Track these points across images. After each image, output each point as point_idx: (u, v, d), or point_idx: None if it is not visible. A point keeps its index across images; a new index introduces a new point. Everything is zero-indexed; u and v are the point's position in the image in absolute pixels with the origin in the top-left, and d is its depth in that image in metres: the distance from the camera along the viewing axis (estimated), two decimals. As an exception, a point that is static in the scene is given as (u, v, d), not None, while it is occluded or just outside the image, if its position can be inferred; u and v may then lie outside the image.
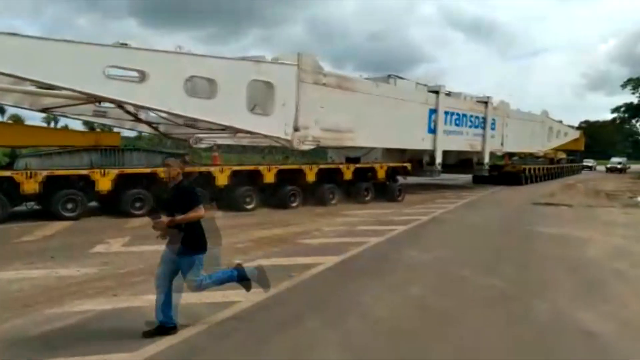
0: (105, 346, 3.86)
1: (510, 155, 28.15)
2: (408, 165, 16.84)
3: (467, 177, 25.41)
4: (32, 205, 10.81)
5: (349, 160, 17.43)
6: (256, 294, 5.21)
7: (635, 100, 50.88)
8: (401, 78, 17.81)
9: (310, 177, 13.97)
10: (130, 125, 13.95)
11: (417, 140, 17.58)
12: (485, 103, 21.40)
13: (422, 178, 19.97)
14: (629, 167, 50.76)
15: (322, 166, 14.82)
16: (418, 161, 18.88)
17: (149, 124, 13.32)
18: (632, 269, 7.12)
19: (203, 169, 12.50)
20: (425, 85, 18.56)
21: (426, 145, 18.15)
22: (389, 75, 17.42)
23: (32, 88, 10.20)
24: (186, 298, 5.02)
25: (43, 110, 12.98)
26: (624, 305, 5.42)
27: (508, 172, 25.17)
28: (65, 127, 23.40)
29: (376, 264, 7.07)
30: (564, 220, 12.36)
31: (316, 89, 12.90)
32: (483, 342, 4.28)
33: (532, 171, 26.87)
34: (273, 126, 12.04)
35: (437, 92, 18.21)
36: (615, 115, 58.07)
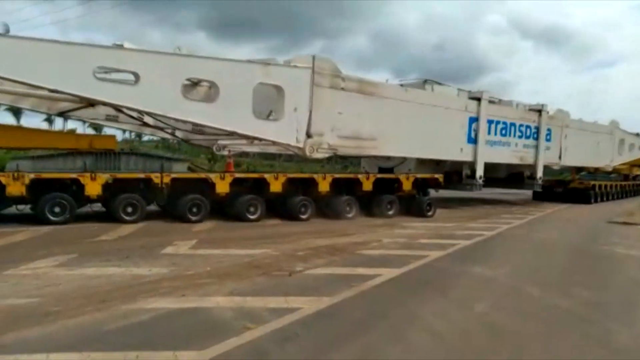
0: (176, 343, 4.05)
1: (578, 170, 25.87)
2: (439, 176, 15.34)
3: (526, 193, 23.60)
4: (23, 208, 10.77)
5: (382, 170, 16.41)
6: (317, 302, 5.31)
7: None
8: (439, 83, 16.59)
9: (324, 187, 13.01)
10: (151, 131, 13.62)
11: (454, 150, 16.23)
12: (539, 111, 19.44)
13: (466, 193, 18.30)
14: None
15: (337, 175, 13.77)
16: (457, 174, 17.61)
17: (160, 129, 12.79)
18: None
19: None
20: (468, 91, 17.22)
21: (465, 156, 16.70)
22: (425, 81, 16.30)
23: (45, 92, 9.61)
24: (249, 302, 5.22)
25: (60, 114, 12.98)
26: None
27: (574, 188, 22.94)
28: (72, 131, 22.04)
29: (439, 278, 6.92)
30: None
31: (333, 94, 12.18)
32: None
33: (602, 188, 24.35)
34: (282, 132, 11.42)
35: (478, 99, 16.76)
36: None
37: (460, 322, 5.00)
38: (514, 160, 18.89)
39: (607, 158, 25.02)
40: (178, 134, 13.40)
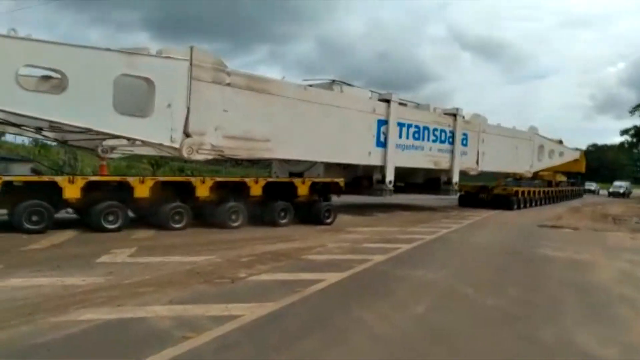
0: (108, 355, 3.89)
1: (506, 176, 26.29)
2: (340, 181, 14.11)
3: (453, 199, 23.46)
4: None
5: (292, 175, 15.41)
6: (260, 308, 5.27)
7: (643, 125, 50.76)
8: (348, 84, 15.97)
9: (203, 191, 11.31)
10: (17, 130, 11.65)
11: (362, 154, 15.45)
12: (454, 115, 19.09)
13: (379, 198, 17.47)
14: (632, 192, 50.07)
15: (219, 179, 12.10)
16: (368, 179, 16.92)
17: (16, 126, 10.75)
18: (637, 293, 7.07)
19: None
20: (377, 93, 16.67)
21: (374, 160, 15.94)
22: (333, 81, 15.54)
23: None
24: (190, 310, 5.10)
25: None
26: (628, 329, 5.38)
27: (498, 194, 22.87)
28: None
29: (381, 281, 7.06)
30: (570, 243, 12.27)
31: (217, 90, 11.13)
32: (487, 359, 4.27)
33: (526, 194, 24.47)
34: (152, 131, 10.26)
35: (388, 101, 16.07)
36: (623, 138, 57.94)
37: (400, 324, 5.13)
38: (428, 165, 18.44)
39: (526, 164, 24.90)
40: (49, 133, 11.58)
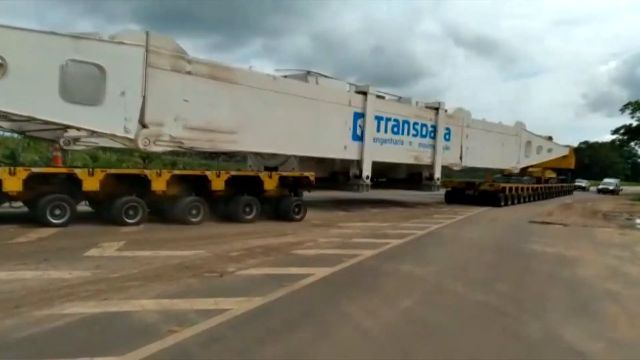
0: (93, 350, 3.84)
1: (494, 172, 26.17)
2: (310, 175, 13.51)
3: (439, 195, 23.25)
4: None
5: (268, 169, 14.98)
6: (248, 302, 5.25)
7: (634, 123, 51.13)
8: (325, 76, 15.54)
9: (159, 185, 10.61)
10: None
11: (336, 148, 14.96)
12: (436, 109, 18.61)
13: (371, 194, 17.19)
14: (621, 189, 50.54)
15: (176, 172, 11.61)
16: (345, 174, 16.45)
17: None
18: (623, 289, 7.12)
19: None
20: (355, 85, 16.25)
21: (350, 154, 15.44)
22: (309, 72, 15.07)
23: None
24: (177, 304, 5.07)
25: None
26: (613, 324, 5.42)
27: (485, 190, 22.34)
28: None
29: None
30: (559, 239, 12.35)
31: (176, 78, 10.67)
32: (473, 354, 4.28)
33: (514, 191, 23.98)
34: (104, 120, 9.77)
35: (365, 93, 15.56)
36: (614, 137, 58.31)
37: (387, 318, 5.13)
38: (409, 160, 18.04)
39: (513, 160, 24.38)
40: (3, 123, 11.12)
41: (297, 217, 12.86)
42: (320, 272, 6.90)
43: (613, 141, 62.90)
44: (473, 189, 22.61)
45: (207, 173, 11.69)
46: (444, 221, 14.82)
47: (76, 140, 11.98)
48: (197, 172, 12.35)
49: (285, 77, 14.47)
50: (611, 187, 48.01)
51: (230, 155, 22.53)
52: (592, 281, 7.56)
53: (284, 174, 13.39)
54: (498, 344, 4.63)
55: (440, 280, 7.02)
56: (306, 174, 13.61)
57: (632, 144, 59.07)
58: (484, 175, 25.94)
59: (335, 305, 5.46)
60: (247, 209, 12.00)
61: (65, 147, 12.17)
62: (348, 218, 14.50)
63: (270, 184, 12.50)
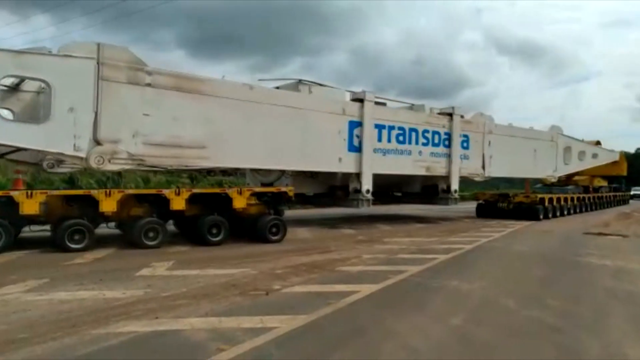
0: (146, 367, 3.97)
1: (533, 182, 24.26)
2: (289, 190, 12.41)
3: (467, 208, 22.15)
4: None
5: (264, 185, 14.37)
6: (294, 320, 5.27)
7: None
8: (319, 84, 14.65)
9: (108, 206, 9.68)
10: None
11: (330, 161, 13.88)
12: (450, 115, 17.14)
13: (353, 210, 15.73)
14: None
15: (129, 192, 10.71)
16: (343, 188, 15.31)
17: None
18: (693, 304, 6.64)
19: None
20: (352, 92, 15.20)
21: (346, 167, 14.31)
22: (300, 81, 14.23)
23: None
24: (225, 322, 5.15)
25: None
26: (683, 343, 5.06)
27: (520, 202, 20.28)
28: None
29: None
30: (618, 251, 11.69)
31: (135, 91, 10.04)
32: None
33: (555, 202, 21.65)
34: (50, 139, 9.19)
35: (361, 100, 14.54)
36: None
37: (435, 337, 5.01)
38: (419, 172, 16.61)
39: (549, 168, 22.26)
40: None
41: (275, 238, 11.55)
42: (365, 289, 6.84)
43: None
44: (507, 202, 20.68)
45: (165, 191, 10.68)
46: (493, 234, 14.37)
47: (60, 162, 11.07)
48: (154, 191, 11.35)
49: (277, 87, 13.92)
50: None
51: (228, 173, 21.53)
52: (657, 296, 7.10)
53: (257, 189, 12.44)
54: (554, 363, 4.42)
55: (491, 296, 6.80)
56: (284, 189, 12.52)
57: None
58: (520, 187, 24.35)
59: (381, 323, 5.39)
60: (214, 230, 10.82)
61: (49, 170, 11.46)
62: (392, 233, 14.33)
63: (240, 201, 11.25)
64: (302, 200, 17.48)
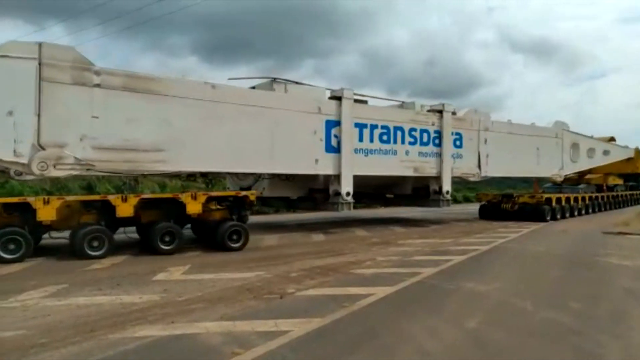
0: (162, 371, 4.01)
1: (542, 182, 23.19)
2: (250, 194, 11.66)
3: (471, 210, 21.49)
4: None
5: (243, 189, 13.76)
6: (308, 323, 5.28)
7: None
8: (295, 82, 14.06)
9: (46, 214, 9.12)
10: None
11: (305, 162, 13.18)
12: (440, 112, 16.24)
13: (336, 214, 15.11)
14: None
15: (69, 198, 9.93)
16: (324, 191, 14.66)
17: None
18: None
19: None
20: (330, 90, 14.46)
21: (324, 169, 13.58)
22: (274, 79, 13.60)
23: None
24: (239, 326, 5.19)
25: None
26: None
27: (525, 203, 19.23)
28: None
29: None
30: (638, 251, 11.47)
31: (81, 92, 9.48)
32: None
33: (564, 202, 20.46)
34: None
35: (339, 98, 13.84)
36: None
37: (451, 340, 4.96)
38: (406, 172, 15.77)
39: (554, 166, 21.07)
40: None
41: (235, 245, 10.77)
42: (380, 291, 6.82)
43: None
44: (510, 202, 19.59)
45: (110, 198, 10.09)
46: (509, 235, 14.20)
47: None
48: (98, 197, 10.90)
49: (253, 87, 13.47)
50: None
51: (207, 176, 20.45)
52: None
53: (214, 194, 11.70)
54: (573, 366, 4.35)
55: (507, 298, 6.71)
56: (244, 192, 11.83)
57: None
58: (528, 186, 23.37)
59: (396, 325, 5.36)
60: (167, 238, 10.13)
61: (17, 178, 10.78)
62: (407, 235, 14.26)
63: (194, 206, 10.48)
64: (287, 204, 17.40)
